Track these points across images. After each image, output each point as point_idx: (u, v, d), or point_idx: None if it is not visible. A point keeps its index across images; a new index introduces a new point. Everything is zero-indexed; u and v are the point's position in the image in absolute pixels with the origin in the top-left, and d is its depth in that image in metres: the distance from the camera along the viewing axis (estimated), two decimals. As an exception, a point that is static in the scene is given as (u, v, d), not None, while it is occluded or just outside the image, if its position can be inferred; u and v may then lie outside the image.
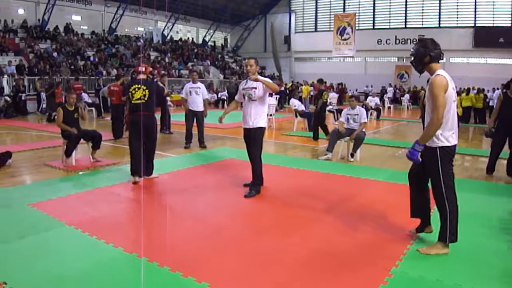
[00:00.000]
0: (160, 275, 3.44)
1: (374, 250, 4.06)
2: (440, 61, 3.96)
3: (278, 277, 3.43)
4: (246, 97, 5.98)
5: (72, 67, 22.22)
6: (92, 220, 4.73)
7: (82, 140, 7.78)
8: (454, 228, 3.93)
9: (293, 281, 3.37)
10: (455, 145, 3.93)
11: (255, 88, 5.90)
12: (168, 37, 33.71)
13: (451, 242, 3.97)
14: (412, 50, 4.06)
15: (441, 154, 3.88)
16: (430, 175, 4.02)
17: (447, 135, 3.87)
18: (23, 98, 17.93)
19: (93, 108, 17.10)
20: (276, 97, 19.59)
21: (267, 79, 5.89)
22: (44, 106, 17.84)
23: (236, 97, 6.46)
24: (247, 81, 6.07)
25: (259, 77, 5.82)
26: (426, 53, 3.91)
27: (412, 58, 4.05)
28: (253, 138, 5.95)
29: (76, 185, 6.33)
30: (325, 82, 17.61)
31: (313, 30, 36.52)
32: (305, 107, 16.41)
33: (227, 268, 3.60)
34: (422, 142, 3.83)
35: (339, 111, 14.50)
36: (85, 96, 17.80)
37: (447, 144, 3.87)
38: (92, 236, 4.20)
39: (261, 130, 5.96)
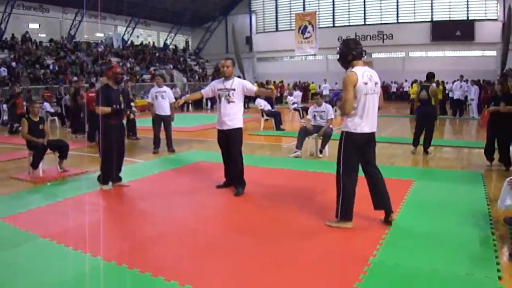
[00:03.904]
0: (143, 281, 3.42)
1: (350, 241, 4.18)
2: (362, 58, 4.39)
3: (260, 275, 3.48)
4: (222, 99, 5.94)
5: (31, 75, 21.66)
6: (67, 230, 4.64)
7: (48, 150, 7.62)
8: (345, 207, 4.40)
9: (277, 277, 3.41)
10: (362, 134, 4.33)
11: (234, 90, 5.89)
12: (129, 42, 33.25)
13: (345, 220, 4.41)
14: (338, 49, 4.46)
15: (344, 138, 4.40)
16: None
17: (354, 123, 4.32)
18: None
19: (56, 118, 16.70)
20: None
21: (262, 88, 5.99)
22: (5, 117, 17.31)
23: (203, 91, 6.47)
24: (223, 81, 5.99)
25: (256, 88, 6.05)
26: (348, 52, 4.34)
27: (338, 57, 4.47)
28: (233, 139, 5.98)
29: (45, 196, 6.19)
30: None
31: (274, 30, 36.69)
32: (271, 106, 16.49)
33: (209, 270, 3.62)
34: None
35: (304, 109, 14.69)
36: (47, 105, 17.35)
37: (351, 131, 4.33)
38: (68, 247, 4.13)
39: (240, 130, 6.01)
